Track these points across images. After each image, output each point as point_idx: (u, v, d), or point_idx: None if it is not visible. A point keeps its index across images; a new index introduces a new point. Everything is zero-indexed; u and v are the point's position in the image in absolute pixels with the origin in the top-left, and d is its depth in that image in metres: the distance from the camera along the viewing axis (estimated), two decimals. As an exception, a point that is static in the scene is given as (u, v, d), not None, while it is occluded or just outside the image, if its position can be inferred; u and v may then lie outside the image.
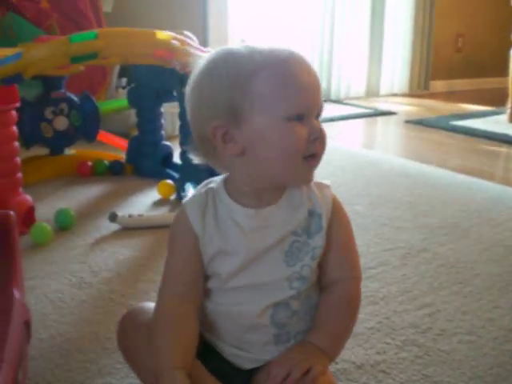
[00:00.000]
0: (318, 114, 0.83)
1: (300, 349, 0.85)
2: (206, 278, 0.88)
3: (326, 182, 0.90)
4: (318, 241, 0.85)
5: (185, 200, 0.88)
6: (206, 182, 0.90)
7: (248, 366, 0.88)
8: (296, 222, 0.85)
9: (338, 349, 0.89)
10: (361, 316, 1.23)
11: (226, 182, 0.87)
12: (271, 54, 0.80)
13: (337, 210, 0.88)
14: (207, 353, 0.89)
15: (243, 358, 0.88)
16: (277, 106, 0.78)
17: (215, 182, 0.88)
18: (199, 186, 0.90)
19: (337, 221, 0.88)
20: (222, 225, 0.85)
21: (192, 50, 1.97)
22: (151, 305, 0.93)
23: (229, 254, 0.84)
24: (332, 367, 1.04)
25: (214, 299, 0.88)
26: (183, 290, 0.87)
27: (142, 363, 0.88)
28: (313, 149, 0.81)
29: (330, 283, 0.89)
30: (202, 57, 0.85)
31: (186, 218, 0.86)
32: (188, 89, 0.85)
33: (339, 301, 0.88)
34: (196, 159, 0.88)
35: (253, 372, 0.87)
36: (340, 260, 0.89)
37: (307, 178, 0.84)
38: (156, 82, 2.12)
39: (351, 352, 1.10)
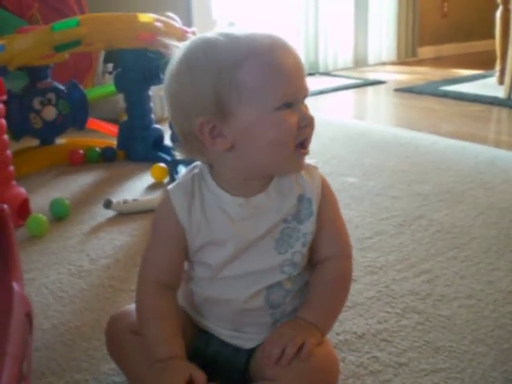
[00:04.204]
0: (304, 98, 0.81)
1: (291, 325, 0.84)
2: (194, 266, 0.88)
3: (313, 162, 0.88)
4: (309, 227, 0.85)
5: (170, 186, 0.86)
6: (192, 166, 0.88)
7: (249, 345, 0.88)
8: (286, 209, 0.84)
9: (329, 324, 0.89)
10: (360, 286, 1.24)
11: (211, 167, 0.85)
12: (253, 42, 0.77)
13: (325, 190, 0.87)
14: (205, 338, 0.90)
15: (242, 338, 0.88)
16: (265, 96, 0.76)
17: (200, 166, 0.86)
18: (185, 171, 0.88)
19: (326, 201, 0.87)
20: (209, 214, 0.83)
21: (176, 31, 1.96)
22: (132, 308, 0.93)
23: (218, 244, 0.83)
24: (334, 338, 1.05)
25: (205, 288, 0.88)
26: (165, 277, 0.87)
27: (129, 368, 0.89)
28: (303, 135, 0.79)
29: (321, 261, 0.89)
30: (177, 46, 0.82)
31: (172, 207, 0.84)
32: (166, 82, 0.82)
33: (330, 278, 0.88)
34: (181, 155, 0.87)
35: (252, 351, 0.88)
36: (330, 238, 0.89)
37: (299, 166, 0.83)
38: (142, 65, 2.10)
39: (352, 322, 1.11)
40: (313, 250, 0.88)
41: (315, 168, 0.88)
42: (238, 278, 0.85)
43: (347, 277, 0.91)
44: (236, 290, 0.85)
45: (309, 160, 0.87)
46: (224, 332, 0.89)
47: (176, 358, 0.81)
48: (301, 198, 0.85)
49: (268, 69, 0.76)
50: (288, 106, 0.77)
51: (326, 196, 0.87)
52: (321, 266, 0.89)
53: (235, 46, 0.77)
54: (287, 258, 0.85)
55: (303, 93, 0.80)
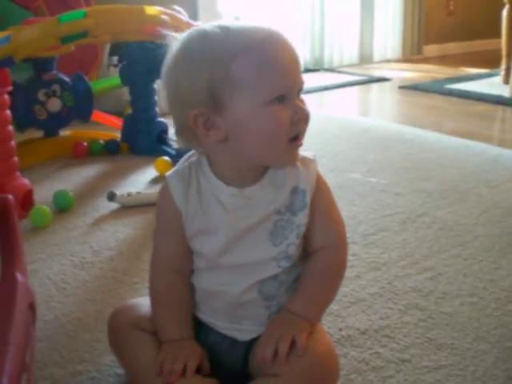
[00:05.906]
0: (300, 91, 0.81)
1: (279, 322, 0.85)
2: (193, 257, 0.89)
3: (310, 154, 0.88)
4: (302, 218, 0.85)
5: (168, 173, 0.87)
6: (189, 153, 0.89)
7: (246, 337, 0.88)
8: (279, 200, 0.84)
9: (319, 313, 0.89)
10: (363, 282, 1.24)
11: (208, 156, 0.86)
12: (248, 37, 0.77)
13: (319, 182, 0.87)
14: (203, 329, 0.90)
15: (239, 330, 0.89)
16: (257, 91, 0.77)
17: (198, 154, 0.87)
18: (183, 158, 0.89)
19: (319, 192, 0.87)
20: (204, 202, 0.84)
21: (182, 25, 1.95)
22: (136, 302, 0.95)
23: (211, 232, 0.84)
24: (336, 334, 1.06)
25: (202, 279, 0.89)
26: (176, 263, 0.89)
27: (130, 362, 0.89)
28: (297, 129, 0.80)
29: (314, 250, 0.89)
30: (176, 38, 0.82)
31: (170, 194, 0.86)
32: (163, 73, 0.83)
33: (322, 268, 0.88)
34: (178, 144, 0.86)
35: (251, 342, 0.88)
36: (323, 228, 0.88)
37: (293, 159, 0.83)
38: (148, 58, 2.10)
39: (355, 318, 1.11)
40: (307, 239, 0.88)
41: (312, 161, 0.87)
42: (233, 269, 0.86)
43: (340, 266, 0.91)
44: (231, 282, 0.86)
45: (306, 152, 0.87)
46: (220, 324, 0.89)
47: (190, 339, 0.87)
48: (294, 190, 0.85)
49: (260, 63, 0.77)
50: (281, 100, 0.77)
51: (320, 187, 0.87)
52: (314, 255, 0.89)
53: (230, 40, 0.77)
54: (282, 249, 0.85)
55: (298, 86, 0.80)
